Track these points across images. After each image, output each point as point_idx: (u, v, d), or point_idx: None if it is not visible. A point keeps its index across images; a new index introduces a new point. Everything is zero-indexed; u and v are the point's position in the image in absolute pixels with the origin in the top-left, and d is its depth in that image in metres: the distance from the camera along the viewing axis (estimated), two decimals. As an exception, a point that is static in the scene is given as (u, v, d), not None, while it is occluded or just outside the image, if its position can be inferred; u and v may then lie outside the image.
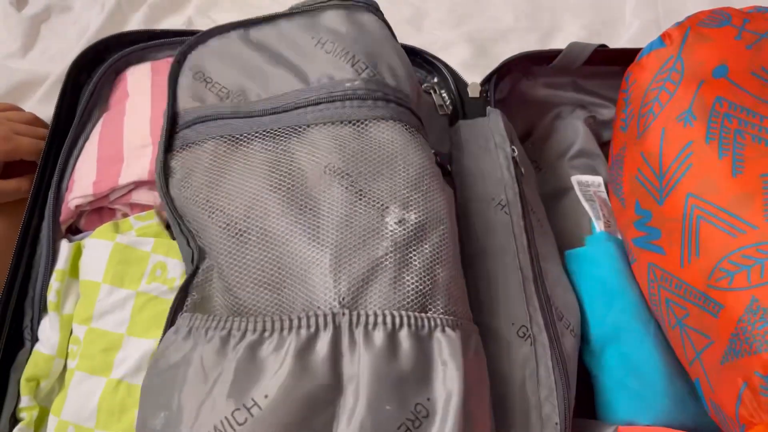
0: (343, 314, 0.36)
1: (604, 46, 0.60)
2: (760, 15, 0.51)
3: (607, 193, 0.59)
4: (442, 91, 0.57)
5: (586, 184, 0.59)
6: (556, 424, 0.40)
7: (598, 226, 0.55)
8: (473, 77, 0.60)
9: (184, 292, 0.39)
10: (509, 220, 0.48)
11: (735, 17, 0.51)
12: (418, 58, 0.59)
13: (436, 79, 0.58)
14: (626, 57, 0.57)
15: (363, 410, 0.34)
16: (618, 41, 0.76)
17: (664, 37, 0.53)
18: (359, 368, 0.35)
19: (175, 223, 0.41)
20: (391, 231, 0.39)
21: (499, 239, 0.48)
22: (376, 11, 0.48)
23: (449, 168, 0.52)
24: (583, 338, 0.50)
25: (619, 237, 0.54)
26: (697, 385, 0.45)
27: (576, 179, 0.60)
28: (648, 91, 0.52)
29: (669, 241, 0.47)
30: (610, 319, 0.49)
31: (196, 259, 0.40)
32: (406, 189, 0.40)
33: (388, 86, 0.44)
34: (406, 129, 0.43)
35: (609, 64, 0.61)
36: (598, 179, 0.60)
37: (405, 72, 0.47)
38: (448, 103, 0.57)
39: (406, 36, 0.73)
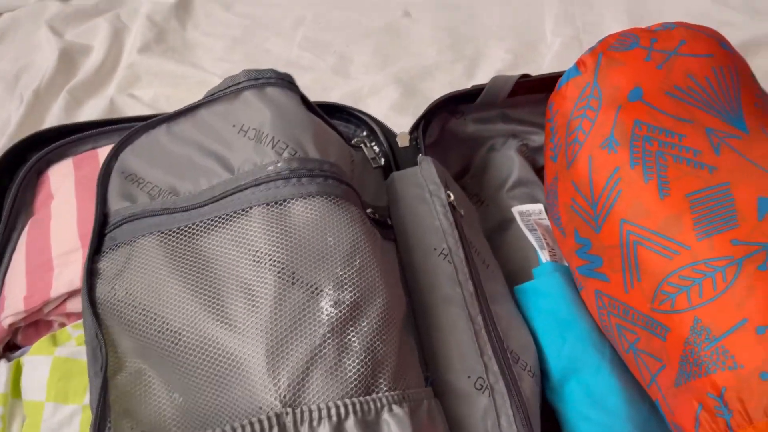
0: (287, 413, 0.35)
1: (526, 75, 0.61)
2: (666, 33, 0.53)
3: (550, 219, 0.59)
4: (373, 144, 0.57)
5: (527, 214, 0.60)
6: (521, 480, 0.40)
7: (543, 256, 0.56)
8: (405, 118, 0.60)
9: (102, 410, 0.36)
10: (453, 269, 0.48)
11: (642, 38, 0.52)
12: (344, 113, 0.59)
13: (365, 133, 0.58)
14: (548, 84, 0.57)
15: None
16: (542, 61, 0.78)
17: (579, 65, 0.54)
18: None
19: (92, 327, 0.40)
20: (327, 315, 0.38)
21: (445, 290, 0.47)
22: (290, 84, 0.48)
23: (389, 222, 0.52)
24: (544, 374, 0.50)
25: (566, 264, 0.55)
26: (658, 407, 0.46)
27: (517, 210, 0.60)
28: (571, 120, 0.53)
29: (611, 268, 0.48)
30: (566, 352, 0.50)
31: (109, 368, 0.38)
32: (340, 267, 0.40)
33: (311, 160, 0.43)
34: (334, 202, 0.42)
35: (533, 92, 0.62)
36: (538, 207, 0.61)
37: (328, 140, 0.47)
38: (380, 155, 0.57)
39: (333, 86, 0.74)
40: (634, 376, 0.48)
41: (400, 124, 0.60)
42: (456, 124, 0.63)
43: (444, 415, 0.43)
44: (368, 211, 0.50)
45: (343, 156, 0.48)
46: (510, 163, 0.63)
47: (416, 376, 0.42)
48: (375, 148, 0.57)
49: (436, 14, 0.82)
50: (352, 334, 0.38)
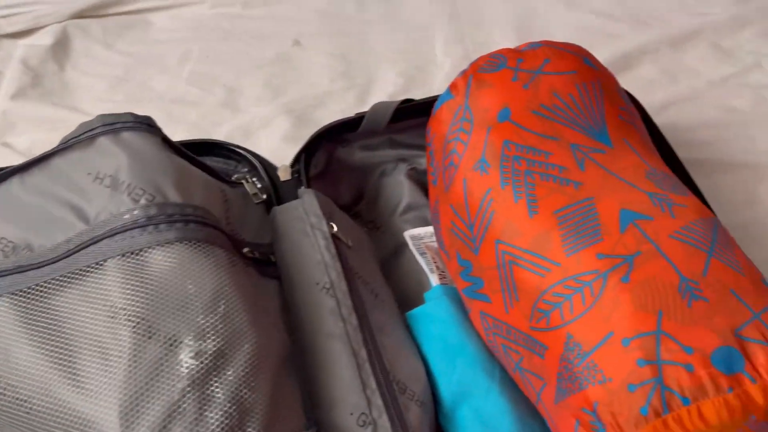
0: None
1: (408, 100, 0.62)
2: (532, 52, 0.54)
3: (440, 242, 0.59)
4: (254, 179, 0.56)
5: (418, 237, 0.60)
6: None
7: (433, 280, 0.56)
8: (295, 149, 0.59)
9: None
10: (336, 304, 0.47)
11: (510, 59, 0.53)
12: (222, 150, 0.58)
13: (246, 168, 0.57)
14: (429, 107, 0.58)
15: None
16: (434, 82, 0.79)
17: (451, 88, 0.55)
18: None
19: None
20: (187, 368, 0.37)
21: (328, 326, 0.47)
22: (149, 127, 0.46)
23: (272, 259, 0.51)
24: (436, 401, 0.50)
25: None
26: (547, 425, 0.46)
27: (408, 234, 0.60)
28: (446, 143, 0.53)
29: (491, 289, 0.48)
30: (456, 377, 0.49)
31: None
32: (202, 316, 0.39)
33: (171, 205, 0.42)
34: (196, 248, 0.41)
35: (416, 116, 0.62)
36: (429, 230, 0.61)
37: (193, 182, 0.45)
38: (261, 190, 0.56)
39: (222, 120, 0.72)
40: (526, 395, 0.48)
41: (292, 155, 0.59)
42: (343, 153, 0.63)
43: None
44: (245, 250, 0.48)
45: (211, 197, 0.47)
46: (400, 187, 0.63)
47: (295, 420, 0.41)
48: (257, 183, 0.56)
49: (327, 42, 0.82)
50: (215, 384, 0.37)
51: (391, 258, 0.61)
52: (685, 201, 0.46)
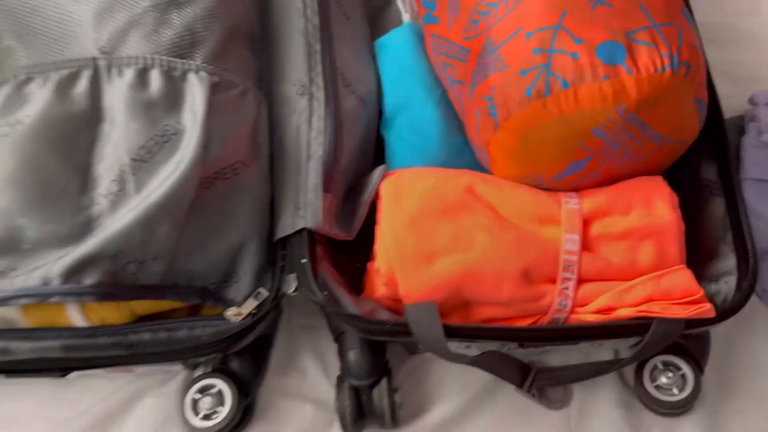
0: (103, 60, 0.42)
1: None
2: None
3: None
4: None
5: (405, -18, 0.64)
6: (320, 156, 0.47)
7: (405, 18, 0.60)
8: None
9: None
10: (302, 5, 0.53)
11: None
12: None
13: None
14: None
15: (117, 131, 0.41)
16: None
17: None
18: (115, 100, 0.42)
19: None
20: None
21: (292, 21, 0.53)
22: None
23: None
24: (382, 113, 0.56)
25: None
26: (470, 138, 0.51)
27: (397, -23, 0.64)
28: None
29: (440, 9, 0.52)
30: (401, 91, 0.55)
31: None
32: None
33: None
34: None
35: None
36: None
37: None
38: None
39: None
40: (456, 111, 0.53)
41: None
42: None
43: (264, 113, 0.49)
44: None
45: None
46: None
47: (246, 72, 0.49)
48: None
49: None
50: (174, 14, 0.45)
51: (383, 4, 0.66)
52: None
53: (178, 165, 0.41)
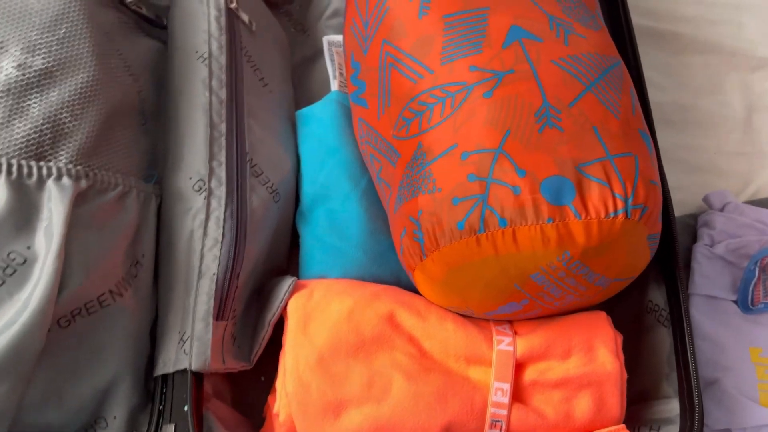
0: None
1: None
2: None
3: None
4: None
5: (335, 43, 0.56)
6: (214, 275, 0.39)
7: (333, 85, 0.53)
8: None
9: None
10: (208, 74, 0.45)
11: None
12: None
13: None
14: None
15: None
16: None
17: None
18: None
19: None
20: (6, 75, 0.36)
21: (194, 94, 0.44)
22: None
23: (159, 20, 0.49)
24: (298, 201, 0.49)
25: (357, 97, 0.52)
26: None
27: (327, 39, 0.56)
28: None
29: (371, 93, 0.45)
30: (321, 179, 0.48)
31: None
32: (37, 32, 0.37)
33: None
34: None
35: None
36: (350, 38, 0.57)
37: None
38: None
39: None
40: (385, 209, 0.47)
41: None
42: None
43: (151, 214, 0.41)
44: (129, 1, 0.46)
45: None
46: (330, -9, 0.59)
47: (130, 164, 0.41)
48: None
49: None
50: (33, 100, 0.36)
51: (309, 62, 0.58)
52: (588, 33, 0.41)
53: (25, 306, 0.33)
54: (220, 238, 0.40)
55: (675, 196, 0.48)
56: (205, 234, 0.41)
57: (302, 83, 0.57)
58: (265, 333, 0.42)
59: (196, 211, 0.41)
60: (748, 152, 0.60)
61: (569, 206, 0.35)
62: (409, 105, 0.41)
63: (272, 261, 0.46)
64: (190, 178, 0.42)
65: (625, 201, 0.36)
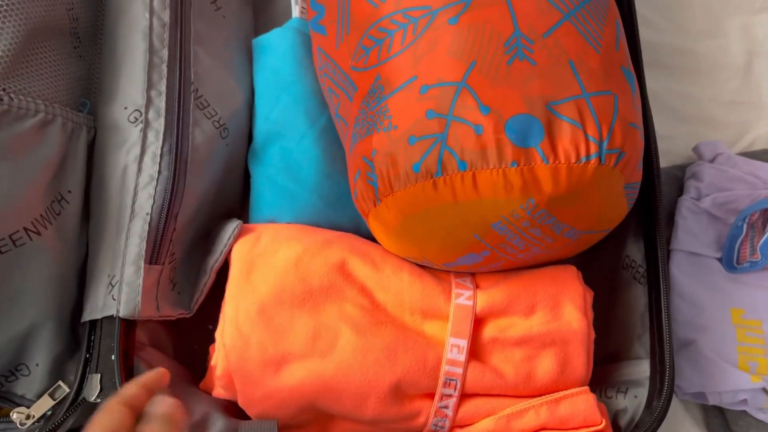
0: None
1: None
2: None
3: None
4: None
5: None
6: (147, 215, 0.36)
7: (295, 11, 0.48)
8: None
9: None
10: (149, -7, 0.41)
11: None
12: None
13: None
14: None
15: None
16: None
17: None
18: None
19: None
20: None
21: (134, 15, 0.40)
22: None
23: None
24: (251, 138, 0.45)
25: (321, 26, 0.47)
26: (354, 182, 0.41)
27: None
28: None
29: (330, 19, 0.40)
30: (275, 116, 0.44)
31: None
32: None
33: None
34: None
35: None
36: (319, -38, 0.52)
37: None
38: None
39: None
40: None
41: None
42: None
43: (81, 147, 0.37)
44: None
45: None
46: None
47: (56, 90, 0.37)
48: None
49: None
50: None
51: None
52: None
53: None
54: (155, 175, 0.37)
55: (663, 146, 0.44)
56: (139, 170, 0.37)
57: (265, 8, 0.52)
58: (208, 279, 0.39)
59: (131, 145, 0.37)
60: (746, 102, 0.56)
61: (536, 149, 0.31)
62: (368, 32, 0.37)
63: (221, 203, 0.42)
64: (126, 108, 0.38)
65: (599, 144, 0.32)
